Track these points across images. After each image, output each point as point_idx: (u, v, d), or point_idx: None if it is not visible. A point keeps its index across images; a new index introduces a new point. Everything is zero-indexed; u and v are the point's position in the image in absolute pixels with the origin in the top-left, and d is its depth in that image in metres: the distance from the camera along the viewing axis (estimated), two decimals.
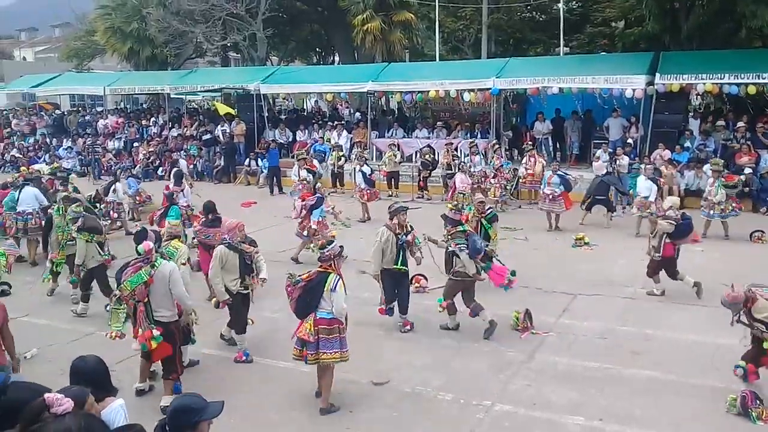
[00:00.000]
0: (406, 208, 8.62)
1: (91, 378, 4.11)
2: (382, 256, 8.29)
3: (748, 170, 15.73)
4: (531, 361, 7.61)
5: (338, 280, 6.34)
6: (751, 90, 16.86)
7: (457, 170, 16.73)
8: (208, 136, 23.29)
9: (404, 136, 21.40)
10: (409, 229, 8.48)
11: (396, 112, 25.25)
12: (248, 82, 23.09)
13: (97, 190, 14.41)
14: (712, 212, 13.03)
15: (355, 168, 16.78)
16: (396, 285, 8.48)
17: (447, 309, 8.52)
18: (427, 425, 6.27)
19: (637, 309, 9.26)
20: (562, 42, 25.69)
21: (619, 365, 7.37)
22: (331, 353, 6.33)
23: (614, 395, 6.73)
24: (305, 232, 11.65)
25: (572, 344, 8.06)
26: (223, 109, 22.89)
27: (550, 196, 14.09)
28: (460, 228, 8.44)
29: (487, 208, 9.91)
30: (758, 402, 6.21)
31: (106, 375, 4.33)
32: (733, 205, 13.00)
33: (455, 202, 12.42)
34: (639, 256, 11.34)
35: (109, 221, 14.21)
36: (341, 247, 6.60)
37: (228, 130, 22.87)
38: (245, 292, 7.65)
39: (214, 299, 7.93)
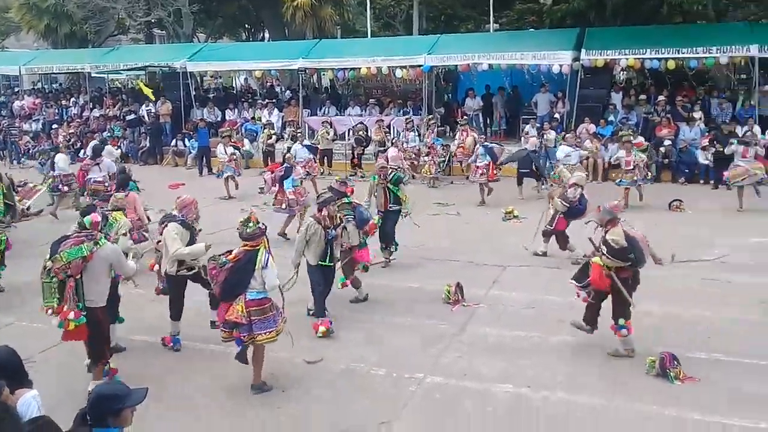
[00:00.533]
0: (335, 199, 8.21)
1: (4, 369, 3.96)
2: (306, 248, 7.76)
3: (667, 142, 16.39)
4: (462, 334, 7.73)
5: (268, 256, 6.22)
6: (671, 65, 17.55)
7: (390, 145, 16.75)
8: (132, 116, 22.49)
9: (337, 114, 21.22)
10: (338, 221, 8.01)
11: (328, 89, 25.00)
12: (174, 59, 22.38)
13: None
14: (631, 180, 13.51)
15: (290, 146, 16.53)
16: (325, 282, 7.93)
17: (352, 284, 8.56)
18: (360, 401, 6.28)
19: (563, 279, 9.39)
20: (491, 18, 25.94)
21: (546, 334, 7.56)
22: (267, 333, 6.22)
23: (542, 363, 6.91)
24: (283, 206, 11.60)
25: (502, 315, 8.23)
26: (146, 90, 22.10)
27: (482, 169, 14.28)
28: (346, 200, 8.52)
29: (389, 172, 9.93)
30: (676, 363, 6.50)
31: (19, 366, 4.18)
32: (646, 171, 13.54)
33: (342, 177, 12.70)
34: (573, 229, 11.74)
35: (59, 195, 13.77)
36: (264, 225, 6.47)
37: (153, 110, 22.13)
38: (189, 274, 7.31)
39: (155, 287, 7.59)
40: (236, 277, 6.20)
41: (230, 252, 6.34)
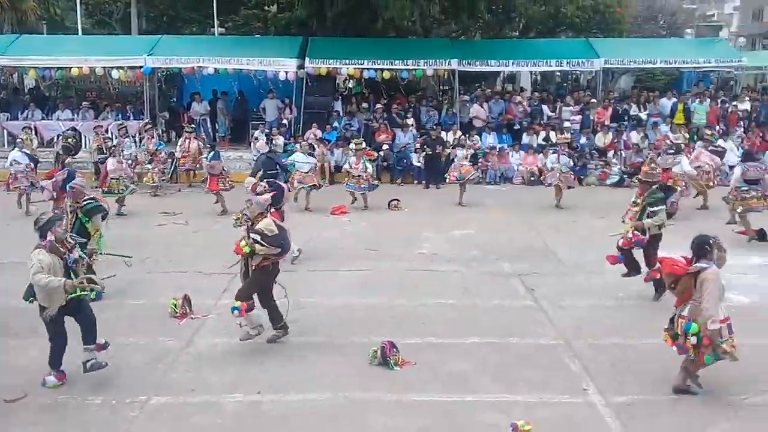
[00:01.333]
0: (60, 217, 7.07)
1: None
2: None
3: (385, 146, 17.69)
4: (190, 347, 7.40)
5: None
6: (386, 75, 18.98)
7: (109, 154, 15.48)
8: None
9: (43, 118, 19.05)
10: (73, 243, 6.66)
11: (33, 90, 22.32)
12: None
13: None
14: (357, 186, 14.26)
15: None
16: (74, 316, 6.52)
17: None
18: None
19: (296, 280, 9.58)
20: (216, 22, 25.54)
21: None
22: None
23: (272, 366, 6.90)
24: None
25: (232, 323, 7.98)
26: None
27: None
28: None
29: (85, 199, 8.85)
30: (395, 350, 6.95)
31: None
32: (371, 179, 14.42)
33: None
34: (300, 229, 11.99)
35: None
36: None
37: None
38: None
39: None
40: None
41: None
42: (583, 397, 6.28)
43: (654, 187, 8.64)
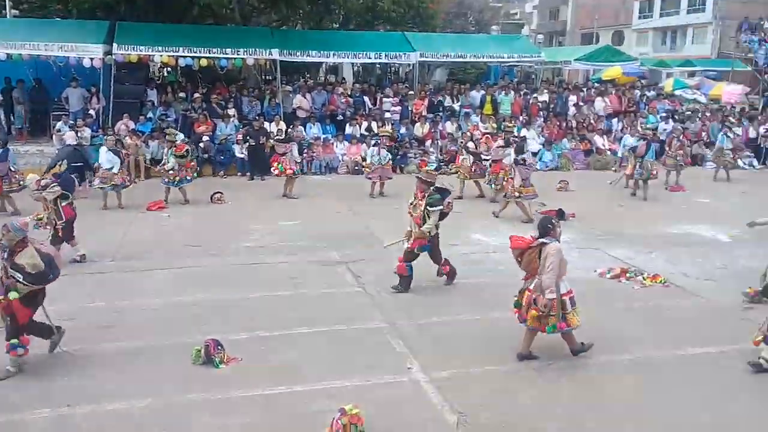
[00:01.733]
0: None
1: None
2: None
3: (206, 138, 17.06)
4: None
5: None
6: (204, 63, 18.24)
7: None
8: None
9: None
10: None
11: None
12: None
13: None
14: (168, 180, 13.61)
15: None
16: None
17: None
18: None
19: (109, 282, 9.01)
20: (8, 3, 23.03)
21: (90, 344, 7.01)
22: None
23: (83, 377, 6.37)
24: None
25: None
26: None
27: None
28: None
29: None
30: (220, 348, 6.74)
31: None
32: (187, 171, 13.75)
33: None
34: (112, 227, 11.29)
35: None
36: None
37: None
38: None
39: None
40: None
41: None
42: (408, 376, 6.52)
43: (431, 188, 8.75)
